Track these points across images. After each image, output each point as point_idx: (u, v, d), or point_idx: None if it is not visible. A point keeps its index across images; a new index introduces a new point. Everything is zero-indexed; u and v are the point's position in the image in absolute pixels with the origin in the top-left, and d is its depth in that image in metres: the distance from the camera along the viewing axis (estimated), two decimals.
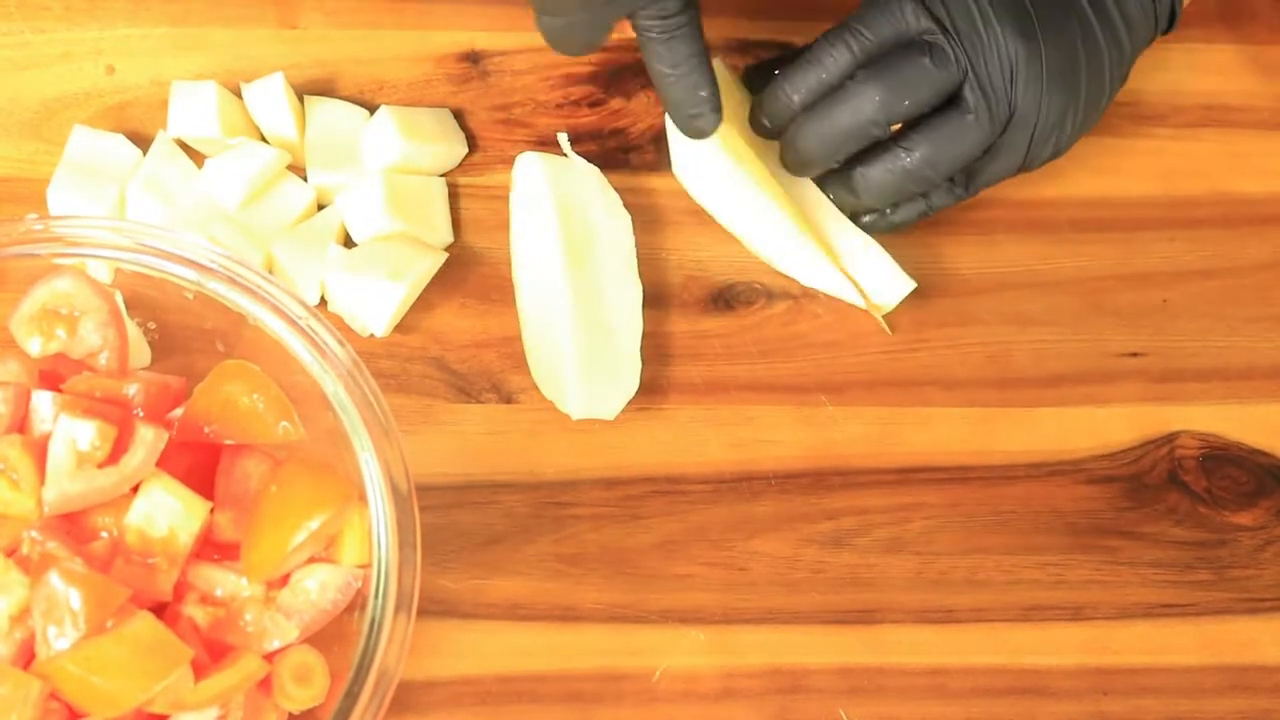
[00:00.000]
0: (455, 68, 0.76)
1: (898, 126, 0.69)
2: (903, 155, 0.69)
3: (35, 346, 0.60)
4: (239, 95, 0.72)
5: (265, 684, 0.58)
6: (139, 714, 0.55)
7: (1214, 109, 0.79)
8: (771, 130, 0.72)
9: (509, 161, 0.74)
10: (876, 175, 0.70)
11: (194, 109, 0.71)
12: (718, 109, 0.69)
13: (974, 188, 0.72)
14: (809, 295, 0.73)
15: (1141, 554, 0.69)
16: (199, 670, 0.56)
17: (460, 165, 0.74)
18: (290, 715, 0.60)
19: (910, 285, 0.72)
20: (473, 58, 0.76)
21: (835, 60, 0.69)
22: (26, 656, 0.55)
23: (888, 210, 0.72)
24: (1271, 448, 0.72)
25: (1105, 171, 0.77)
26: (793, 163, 0.71)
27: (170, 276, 0.62)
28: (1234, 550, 0.70)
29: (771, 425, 0.70)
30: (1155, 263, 0.76)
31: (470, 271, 0.72)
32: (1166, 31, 0.73)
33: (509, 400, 0.70)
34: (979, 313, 0.74)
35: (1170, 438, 0.72)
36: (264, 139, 0.72)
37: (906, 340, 0.73)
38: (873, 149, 0.70)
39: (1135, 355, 0.74)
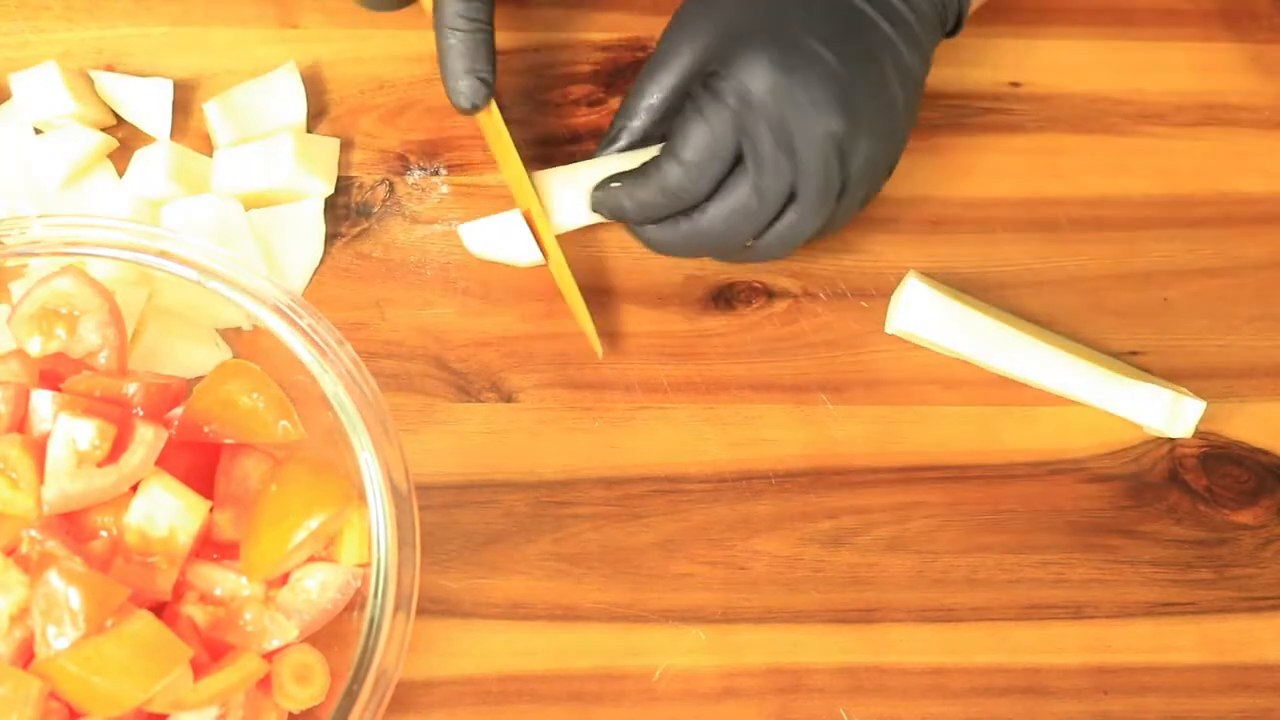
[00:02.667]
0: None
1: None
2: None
3: (35, 346, 0.61)
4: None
5: (265, 683, 0.58)
6: (139, 713, 0.55)
7: (1214, 108, 0.79)
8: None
9: None
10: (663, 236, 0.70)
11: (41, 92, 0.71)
12: (489, 86, 0.68)
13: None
14: (809, 295, 0.73)
15: (1142, 553, 0.69)
16: (198, 670, 0.56)
17: (460, 166, 0.74)
18: (290, 714, 0.60)
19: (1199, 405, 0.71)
20: None
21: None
22: (26, 656, 0.55)
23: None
24: (1272, 446, 0.72)
25: (1105, 170, 0.77)
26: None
27: (170, 276, 0.62)
28: (1234, 549, 0.70)
29: (771, 424, 0.70)
30: (1155, 262, 0.76)
31: (470, 271, 0.72)
32: (952, 33, 0.71)
33: (509, 400, 0.70)
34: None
35: (1171, 437, 0.72)
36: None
37: (907, 340, 0.73)
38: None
39: (1135, 354, 0.74)
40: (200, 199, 0.70)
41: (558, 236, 0.71)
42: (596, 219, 0.71)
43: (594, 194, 0.70)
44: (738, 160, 0.66)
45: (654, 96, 0.70)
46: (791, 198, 0.67)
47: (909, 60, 0.68)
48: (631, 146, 0.71)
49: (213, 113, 0.72)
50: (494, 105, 0.70)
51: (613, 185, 0.69)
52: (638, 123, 0.71)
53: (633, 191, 0.68)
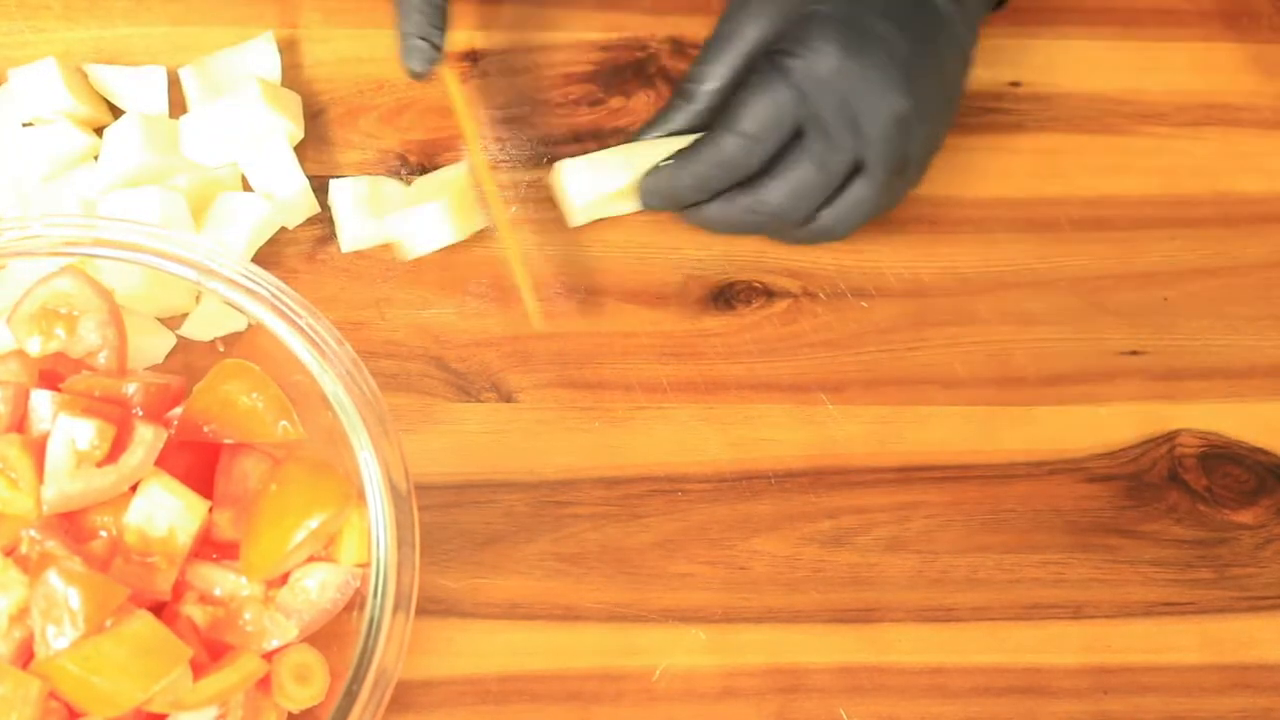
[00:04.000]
0: (455, 67, 0.76)
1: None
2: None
3: (35, 346, 0.61)
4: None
5: (264, 683, 0.58)
6: (138, 713, 0.55)
7: (1215, 108, 0.79)
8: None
9: (509, 161, 0.74)
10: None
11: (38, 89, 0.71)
12: (438, 50, 0.69)
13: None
14: (809, 295, 0.73)
15: (1142, 552, 0.69)
16: (198, 670, 0.56)
17: (460, 166, 0.74)
18: (289, 714, 0.60)
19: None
20: (473, 57, 0.76)
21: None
22: (26, 656, 0.55)
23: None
24: (1272, 446, 0.72)
25: (1106, 170, 0.77)
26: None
27: (170, 276, 0.62)
28: (1234, 549, 0.70)
29: (771, 424, 0.70)
30: (1156, 261, 0.76)
31: (470, 271, 0.72)
32: (1000, 5, 0.73)
33: (509, 400, 0.70)
34: (979, 312, 0.74)
35: (1170, 436, 0.72)
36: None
37: (906, 340, 0.73)
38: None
39: (1136, 354, 0.74)
40: (142, 190, 0.69)
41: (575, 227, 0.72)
42: (614, 209, 0.71)
43: (644, 181, 0.70)
44: (796, 137, 0.67)
45: (718, 80, 0.70)
46: (855, 173, 0.67)
47: (964, 38, 0.69)
48: (687, 130, 0.71)
49: (187, 77, 0.72)
50: (449, 73, 0.71)
51: (662, 166, 0.69)
52: (699, 105, 0.71)
53: (687, 167, 0.68)
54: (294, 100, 0.73)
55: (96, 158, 0.71)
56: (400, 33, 0.69)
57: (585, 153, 0.73)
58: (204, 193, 0.71)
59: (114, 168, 0.69)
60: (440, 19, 0.69)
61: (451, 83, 0.72)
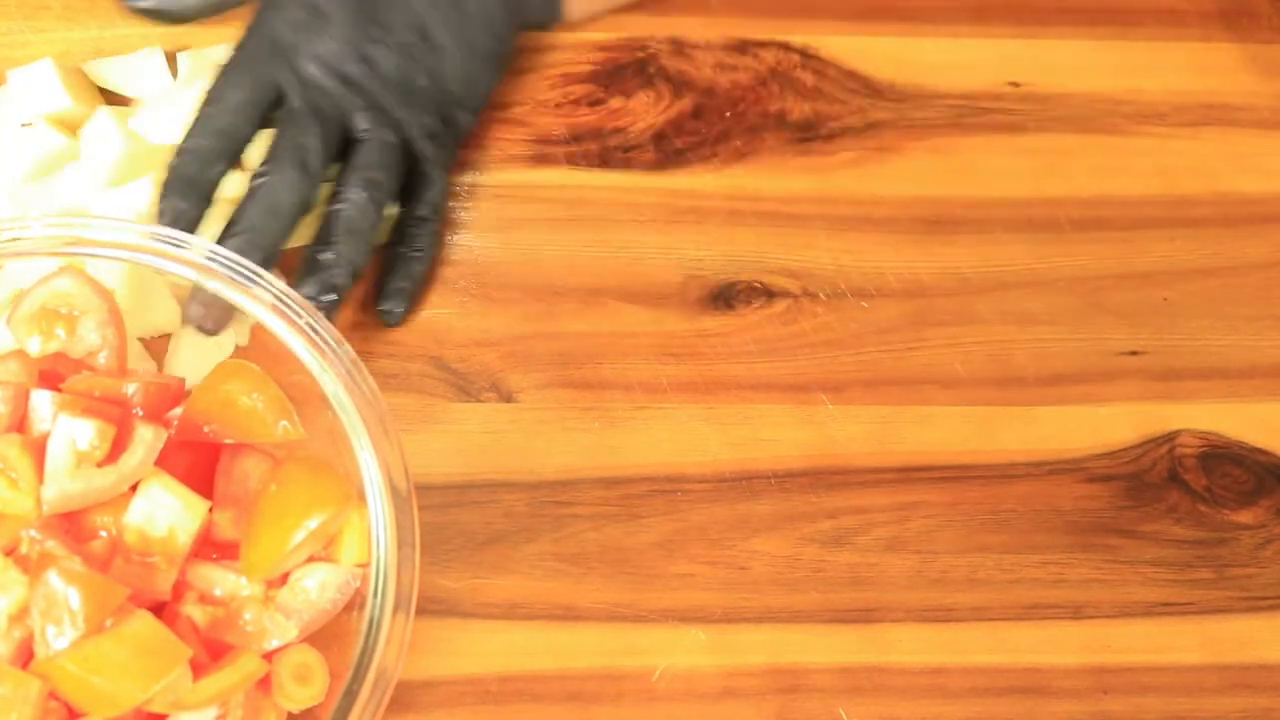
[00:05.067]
0: None
1: None
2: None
3: (35, 346, 0.61)
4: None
5: (264, 683, 0.58)
6: (138, 713, 0.55)
7: (1214, 108, 0.79)
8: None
9: (509, 161, 0.74)
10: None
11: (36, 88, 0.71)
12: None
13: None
14: (809, 295, 0.73)
15: (1142, 553, 0.69)
16: (198, 670, 0.56)
17: (459, 166, 0.74)
18: (289, 714, 0.60)
19: None
20: None
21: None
22: (25, 656, 0.55)
23: None
24: (1272, 446, 0.72)
25: (1105, 170, 0.77)
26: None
27: (170, 276, 0.62)
28: (1234, 549, 0.70)
29: (771, 424, 0.70)
30: (1155, 261, 0.76)
31: (470, 271, 0.72)
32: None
33: (509, 400, 0.70)
34: (979, 312, 0.74)
35: (1170, 436, 0.72)
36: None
37: (906, 340, 0.73)
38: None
39: (1135, 354, 0.74)
40: (131, 185, 0.70)
41: None
42: None
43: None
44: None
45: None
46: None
47: None
48: None
49: (184, 62, 0.73)
50: None
51: None
52: None
53: None
54: None
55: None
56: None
57: (585, 153, 0.74)
58: None
59: (97, 164, 0.69)
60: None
61: None
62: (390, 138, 0.69)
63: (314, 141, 0.67)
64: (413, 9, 0.70)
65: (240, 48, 0.69)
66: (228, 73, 0.68)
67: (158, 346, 0.68)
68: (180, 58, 0.73)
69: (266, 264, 0.65)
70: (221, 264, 0.61)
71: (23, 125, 0.70)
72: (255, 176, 0.67)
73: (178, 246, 0.61)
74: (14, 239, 0.61)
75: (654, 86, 0.77)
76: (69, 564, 0.55)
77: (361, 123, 0.69)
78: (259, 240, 0.65)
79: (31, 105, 0.70)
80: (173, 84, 0.73)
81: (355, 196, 0.68)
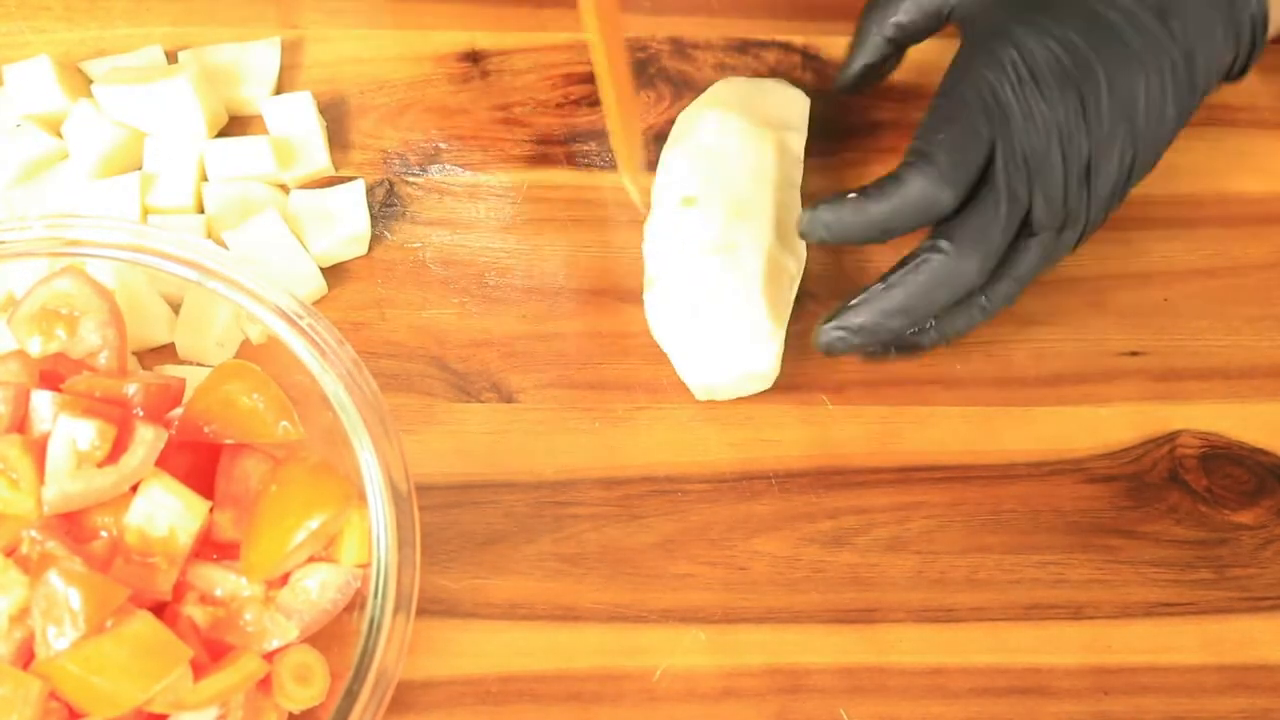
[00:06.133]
0: (455, 67, 0.76)
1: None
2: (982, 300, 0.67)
3: (35, 346, 0.61)
4: None
5: (265, 684, 0.58)
6: (139, 714, 0.55)
7: (1214, 108, 0.79)
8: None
9: (509, 161, 0.74)
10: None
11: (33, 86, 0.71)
12: None
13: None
14: (809, 294, 0.73)
15: (1142, 553, 0.69)
16: (198, 670, 0.56)
17: (460, 166, 0.74)
18: (290, 715, 0.60)
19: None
20: (473, 57, 0.76)
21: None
22: (26, 656, 0.55)
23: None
24: (1272, 446, 0.72)
25: None
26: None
27: (170, 276, 0.62)
28: (1235, 549, 0.70)
29: (772, 424, 0.70)
30: (1156, 262, 0.76)
31: (470, 271, 0.72)
32: (1241, 73, 0.67)
33: (509, 400, 0.70)
34: None
35: (1171, 437, 0.72)
36: None
37: None
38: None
39: (1136, 354, 0.74)
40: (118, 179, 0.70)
41: None
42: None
43: (816, 213, 0.65)
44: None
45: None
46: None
47: (1173, 59, 0.64)
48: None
49: (185, 60, 0.74)
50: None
51: (842, 200, 0.64)
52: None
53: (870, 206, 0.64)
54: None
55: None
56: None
57: (584, 153, 0.73)
58: None
59: (83, 156, 0.70)
60: None
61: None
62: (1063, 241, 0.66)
63: (1000, 235, 0.63)
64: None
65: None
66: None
67: (151, 360, 0.68)
68: (181, 56, 0.73)
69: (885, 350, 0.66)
70: (221, 264, 0.61)
71: (16, 126, 0.70)
72: (924, 246, 0.64)
73: (178, 247, 0.62)
74: (14, 238, 0.61)
75: (654, 86, 0.77)
76: (69, 564, 0.55)
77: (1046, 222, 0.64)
78: (900, 320, 0.64)
79: (27, 102, 0.70)
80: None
81: (1005, 293, 0.66)
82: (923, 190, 0.63)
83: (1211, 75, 0.65)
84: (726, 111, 0.72)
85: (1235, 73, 0.68)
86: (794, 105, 0.74)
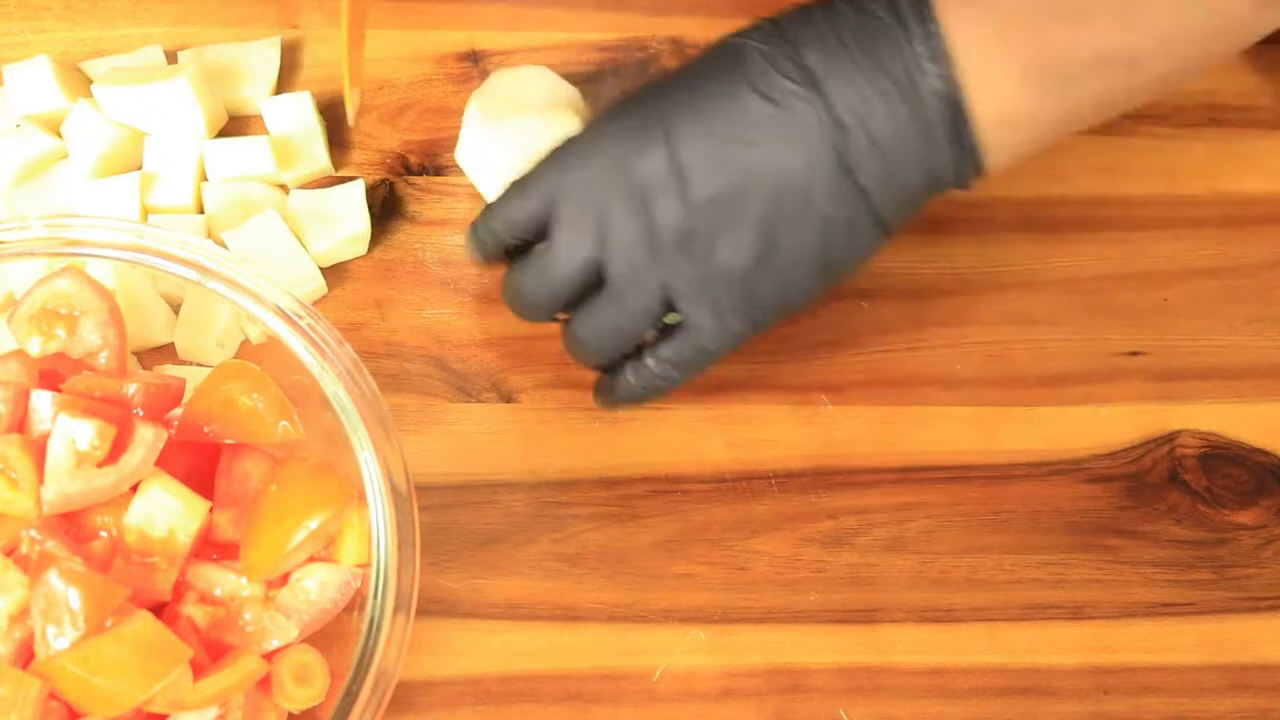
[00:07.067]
0: (455, 68, 0.76)
1: None
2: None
3: (35, 346, 0.61)
4: None
5: (265, 683, 0.58)
6: (138, 714, 0.55)
7: (1214, 108, 0.79)
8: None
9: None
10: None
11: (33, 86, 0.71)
12: None
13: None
14: None
15: (1142, 553, 0.69)
16: (198, 670, 0.56)
17: (460, 166, 0.74)
18: (290, 715, 0.60)
19: None
20: (473, 57, 0.76)
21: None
22: (26, 656, 0.55)
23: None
24: (1272, 446, 0.72)
25: (1105, 171, 0.77)
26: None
27: (170, 276, 0.62)
28: (1234, 549, 0.70)
29: (771, 425, 0.70)
30: (1156, 262, 0.76)
31: (470, 271, 0.72)
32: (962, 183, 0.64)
33: (509, 400, 0.70)
34: (979, 312, 0.74)
35: (1171, 437, 0.72)
36: None
37: (906, 340, 0.73)
38: None
39: (1136, 354, 0.74)
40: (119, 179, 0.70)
41: None
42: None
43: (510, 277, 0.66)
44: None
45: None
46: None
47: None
48: None
49: (185, 60, 0.74)
50: None
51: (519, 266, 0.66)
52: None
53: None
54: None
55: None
56: None
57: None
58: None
59: (82, 156, 0.70)
60: None
61: None
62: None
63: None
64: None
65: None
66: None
67: (151, 360, 0.68)
68: (181, 56, 0.74)
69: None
70: (221, 264, 0.61)
71: (15, 126, 0.71)
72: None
73: (178, 247, 0.62)
74: (14, 239, 0.61)
75: None
76: (69, 564, 0.55)
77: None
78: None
79: (27, 102, 0.70)
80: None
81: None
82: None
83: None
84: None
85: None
86: (562, 86, 0.73)
